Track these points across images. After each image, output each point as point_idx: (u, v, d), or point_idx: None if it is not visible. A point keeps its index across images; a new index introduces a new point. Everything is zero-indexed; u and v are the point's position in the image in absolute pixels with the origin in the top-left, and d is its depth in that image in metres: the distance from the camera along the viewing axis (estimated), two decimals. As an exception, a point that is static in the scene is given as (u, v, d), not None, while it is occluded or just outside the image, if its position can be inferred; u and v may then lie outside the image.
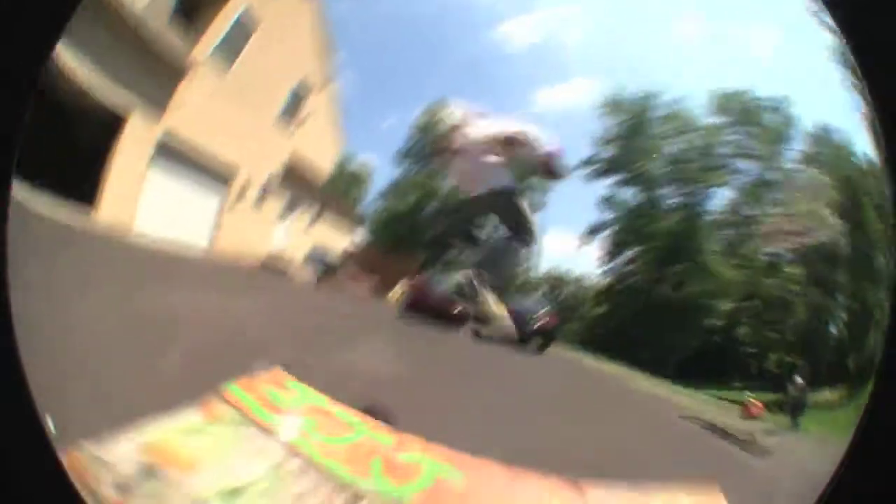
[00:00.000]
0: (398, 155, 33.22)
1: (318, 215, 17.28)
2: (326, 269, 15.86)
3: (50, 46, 1.98)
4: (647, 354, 23.86)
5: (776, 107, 27.92)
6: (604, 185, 30.77)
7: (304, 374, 4.88)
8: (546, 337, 14.29)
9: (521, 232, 8.65)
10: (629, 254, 29.33)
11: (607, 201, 32.09)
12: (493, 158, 7.06)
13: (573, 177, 30.94)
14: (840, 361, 21.42)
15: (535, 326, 13.81)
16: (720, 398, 18.02)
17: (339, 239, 19.70)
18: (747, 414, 13.32)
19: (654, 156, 29.42)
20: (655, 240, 27.72)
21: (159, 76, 9.37)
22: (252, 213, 13.22)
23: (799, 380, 13.22)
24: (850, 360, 21.07)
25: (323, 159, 18.45)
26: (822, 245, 14.58)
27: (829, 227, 12.11)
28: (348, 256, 20.28)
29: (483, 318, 15.03)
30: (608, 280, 29.98)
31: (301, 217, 16.26)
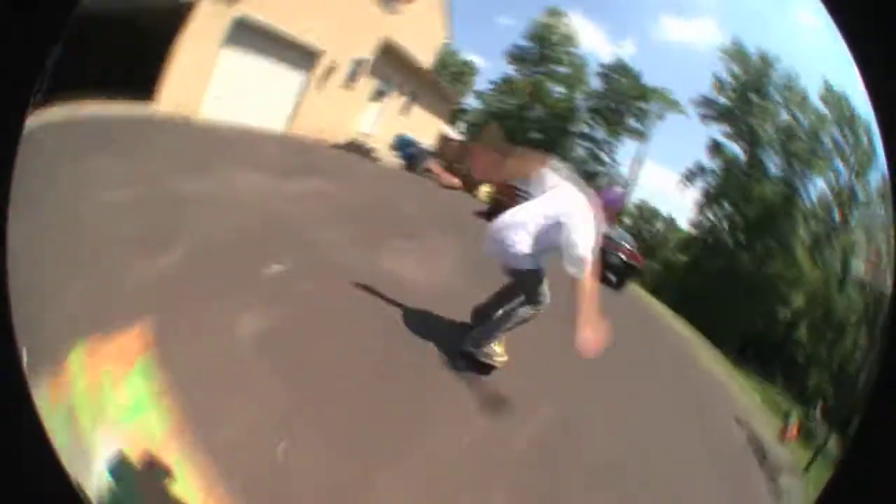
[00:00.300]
0: (507, 56, 31.71)
1: (412, 102, 16.85)
2: (414, 157, 15.60)
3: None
4: (713, 320, 23.24)
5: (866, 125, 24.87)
6: (715, 131, 28.75)
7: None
8: (627, 273, 14.00)
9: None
10: (726, 210, 27.86)
11: (716, 149, 30.06)
12: None
13: (687, 115, 28.83)
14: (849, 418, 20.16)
15: (620, 260, 13.53)
16: (765, 399, 17.43)
17: (431, 130, 19.36)
18: (784, 435, 12.34)
19: (767, 117, 27.10)
20: (753, 204, 26.09)
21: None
22: (339, 94, 12.88)
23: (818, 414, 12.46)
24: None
25: (426, 48, 17.72)
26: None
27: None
28: (443, 147, 20.02)
29: None
30: (699, 230, 28.72)
31: (393, 103, 15.85)
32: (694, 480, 6.38)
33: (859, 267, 14.58)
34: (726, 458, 8.33)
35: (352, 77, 12.96)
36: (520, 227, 5.97)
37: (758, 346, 16.21)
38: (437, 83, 18.79)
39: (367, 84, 14.05)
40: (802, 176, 26.77)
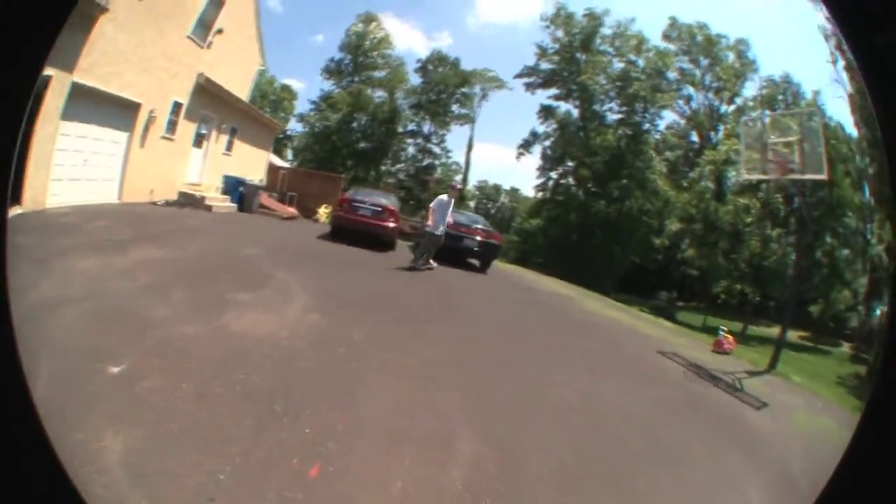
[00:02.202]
0: (323, 72, 31.35)
1: (234, 139, 16.43)
2: (244, 196, 15.28)
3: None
4: (589, 269, 24.69)
5: (735, 47, 27.85)
6: (544, 97, 30.55)
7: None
8: (489, 253, 15.12)
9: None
10: (569, 166, 29.76)
11: (546, 112, 32.00)
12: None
13: (511, 89, 29.87)
14: (801, 305, 22.80)
15: (477, 242, 14.70)
16: (682, 325, 18.58)
17: (259, 163, 18.78)
18: (719, 348, 13.57)
19: (598, 71, 29.27)
20: (596, 154, 28.21)
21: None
22: (161, 147, 12.27)
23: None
24: (815, 308, 22.36)
25: (243, 80, 17.20)
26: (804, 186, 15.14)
27: (815, 172, 12.30)
28: (272, 179, 19.55)
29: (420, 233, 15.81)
30: (546, 192, 30.42)
31: (215, 144, 15.28)
32: (653, 420, 6.75)
33: (741, 173, 15.54)
34: (674, 387, 8.82)
35: (170, 126, 12.35)
36: None
37: (647, 278, 16.45)
38: (256, 114, 18.36)
39: (187, 129, 13.46)
40: (646, 113, 29.06)
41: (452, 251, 14.36)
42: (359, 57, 31.80)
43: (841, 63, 21.04)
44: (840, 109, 36.00)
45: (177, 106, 12.83)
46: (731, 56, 29.92)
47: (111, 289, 5.78)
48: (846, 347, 23.60)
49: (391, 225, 14.03)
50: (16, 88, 1.75)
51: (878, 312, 22.37)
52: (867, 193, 23.22)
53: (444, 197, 13.23)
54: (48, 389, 3.36)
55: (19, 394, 1.84)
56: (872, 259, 21.58)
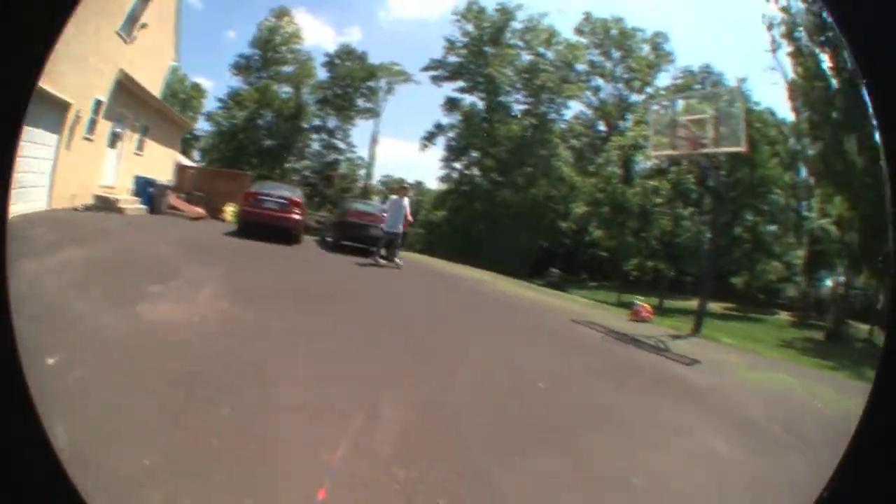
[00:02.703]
0: (233, 68, 31.62)
1: (145, 138, 16.78)
2: (154, 196, 15.72)
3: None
4: (494, 256, 26.34)
5: (651, 39, 30.27)
6: (449, 90, 32.10)
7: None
8: (396, 241, 15.65)
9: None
10: (474, 157, 31.45)
11: (451, 104, 33.54)
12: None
13: (418, 82, 31.41)
14: (723, 278, 24.98)
15: (382, 230, 15.32)
16: (596, 301, 20.37)
17: (168, 163, 19.09)
18: (636, 317, 14.83)
19: (505, 63, 31.17)
20: (501, 144, 30.01)
21: None
22: (83, 148, 12.53)
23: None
24: (738, 279, 24.49)
25: (156, 76, 17.47)
26: (719, 162, 16.75)
27: (732, 144, 13.65)
28: (181, 177, 19.89)
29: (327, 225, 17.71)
30: (450, 183, 32.02)
31: (128, 144, 15.58)
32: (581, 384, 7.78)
33: (648, 153, 16.83)
34: (598, 351, 9.89)
35: (91, 125, 12.65)
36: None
37: (556, 262, 17.51)
38: (168, 112, 18.59)
39: (104, 129, 13.69)
40: (552, 103, 30.94)
41: (360, 240, 15.69)
42: (268, 52, 32.06)
43: (785, 50, 23.10)
44: (773, 96, 39.56)
45: (98, 104, 13.00)
46: (646, 48, 32.10)
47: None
48: (785, 315, 25.71)
49: (297, 217, 14.72)
50: (16, 85, 1.83)
51: (828, 283, 24.77)
52: (803, 173, 25.98)
53: (394, 197, 15.18)
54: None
55: (19, 394, 1.87)
56: (812, 232, 23.63)
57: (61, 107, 11.18)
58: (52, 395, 3.90)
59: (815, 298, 25.85)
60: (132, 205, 14.69)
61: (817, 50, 22.07)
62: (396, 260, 14.72)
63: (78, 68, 11.02)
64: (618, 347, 10.59)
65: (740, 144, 13.56)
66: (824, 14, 20.59)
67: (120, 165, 15.25)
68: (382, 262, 14.39)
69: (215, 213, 18.43)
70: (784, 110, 26.76)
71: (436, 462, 4.44)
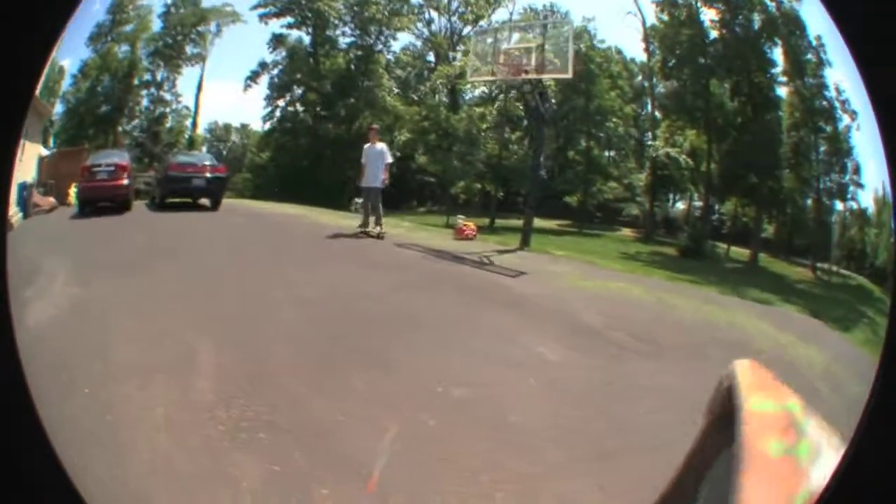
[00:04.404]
0: (86, 41, 30.51)
1: (25, 140, 16.74)
2: (25, 199, 16.39)
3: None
4: (320, 191, 28.03)
5: None
6: (276, 26, 32.60)
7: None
8: (217, 187, 16.94)
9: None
10: (297, 93, 32.67)
11: (277, 41, 34.34)
12: None
13: (245, 21, 31.37)
14: (553, 196, 27.81)
15: (205, 179, 16.46)
16: (425, 225, 21.33)
17: (33, 158, 19.12)
18: (460, 235, 15.89)
19: None
20: (326, 78, 31.43)
21: None
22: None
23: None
24: (573, 198, 27.57)
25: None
26: (543, 87, 18.40)
27: (557, 72, 15.07)
28: (40, 171, 19.92)
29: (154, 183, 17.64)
30: (273, 123, 33.08)
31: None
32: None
33: (468, 77, 18.96)
34: (415, 269, 10.66)
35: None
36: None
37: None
38: (37, 105, 18.36)
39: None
40: (381, 36, 32.38)
41: (181, 193, 16.05)
42: (117, 15, 30.94)
43: None
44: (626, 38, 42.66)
45: None
46: None
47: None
48: (626, 231, 27.87)
49: (125, 182, 15.38)
50: (16, 85, 2.09)
51: (680, 205, 27.84)
52: (649, 107, 29.01)
53: (367, 145, 14.85)
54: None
55: (19, 394, 2.15)
56: (656, 159, 26.34)
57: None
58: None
59: (663, 218, 28.26)
60: (15, 217, 14.97)
61: (698, 4, 24.68)
62: (378, 228, 14.16)
63: None
64: (438, 265, 11.28)
65: (567, 72, 14.78)
66: None
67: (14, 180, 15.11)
68: (370, 231, 13.98)
69: (64, 197, 18.73)
70: (636, 51, 29.92)
71: (252, 399, 5.00)
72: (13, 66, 2.04)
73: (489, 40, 17.08)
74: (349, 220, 17.34)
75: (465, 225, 16.66)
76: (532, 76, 15.29)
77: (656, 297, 10.72)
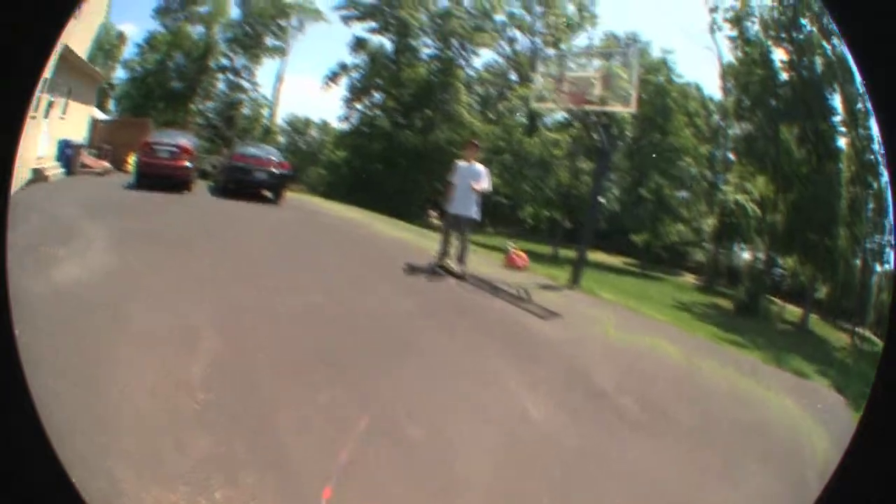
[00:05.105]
0: (154, 13, 31.35)
1: (69, 100, 17.14)
2: (70, 157, 16.74)
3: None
4: (393, 198, 27.86)
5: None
6: (359, 29, 32.99)
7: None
8: (279, 183, 16.83)
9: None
10: (376, 98, 32.81)
11: (359, 44, 34.66)
12: None
13: (328, 21, 31.84)
14: (621, 232, 27.06)
15: (268, 173, 16.33)
16: (485, 246, 20.46)
17: (85, 120, 19.55)
18: (511, 264, 14.99)
19: (420, 7, 32.30)
20: (405, 86, 31.41)
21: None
22: (30, 124, 12.97)
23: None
24: (641, 237, 26.70)
25: (83, 33, 17.74)
26: (607, 121, 17.98)
27: (621, 105, 14.77)
28: (93, 135, 20.39)
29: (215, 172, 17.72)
30: (352, 124, 33.30)
31: (57, 108, 16.01)
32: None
33: (531, 102, 17.54)
34: (437, 294, 10.38)
35: (36, 104, 13.22)
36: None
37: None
38: (86, 69, 18.87)
39: (42, 102, 14.68)
40: (463, 51, 32.33)
41: (242, 184, 16.00)
42: None
43: (725, 33, 25.38)
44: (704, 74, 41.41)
45: (45, 82, 13.08)
46: (571, 7, 33.11)
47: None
48: (689, 278, 27.57)
49: (186, 164, 15.55)
50: (16, 87, 2.07)
51: (746, 255, 26.70)
52: (728, 151, 28.34)
53: (461, 162, 12.13)
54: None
55: (19, 394, 2.13)
56: (725, 204, 25.48)
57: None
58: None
59: (727, 267, 27.60)
60: (54, 171, 15.48)
61: (769, 43, 24.03)
62: (461, 267, 11.48)
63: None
64: (467, 293, 10.57)
65: (629, 105, 14.37)
66: (801, 21, 22.89)
67: (50, 134, 15.88)
68: (450, 267, 11.62)
69: (121, 163, 19.30)
70: (714, 89, 28.96)
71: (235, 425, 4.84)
72: (13, 71, 2.02)
73: (556, 66, 16.79)
74: (409, 234, 17.42)
75: (515, 253, 15.55)
76: (595, 107, 14.98)
77: (689, 358, 9.85)
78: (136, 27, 43.87)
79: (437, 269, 11.67)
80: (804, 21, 22.90)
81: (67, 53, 14.98)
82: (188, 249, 10.01)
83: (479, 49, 34.21)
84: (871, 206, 20.97)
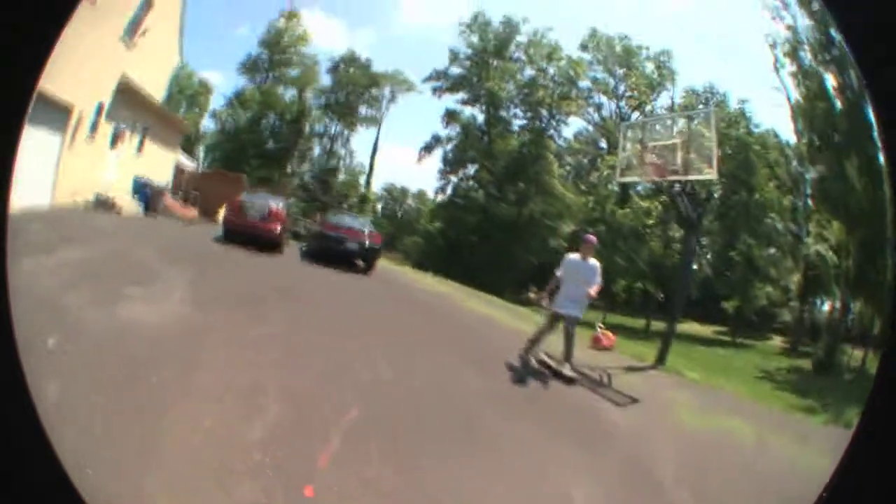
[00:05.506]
0: (241, 67, 32.72)
1: (145, 139, 17.86)
2: (150, 197, 17.19)
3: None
4: (487, 271, 27.14)
5: (656, 58, 31.38)
6: (450, 101, 33.31)
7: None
8: (371, 255, 16.66)
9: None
10: (470, 170, 32.62)
11: (451, 116, 34.83)
12: None
13: (419, 92, 32.34)
14: (714, 299, 25.48)
15: (359, 244, 16.19)
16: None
17: (167, 164, 20.31)
18: (597, 345, 14.38)
19: (507, 77, 32.43)
20: (498, 158, 31.17)
21: None
22: (84, 149, 13.73)
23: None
24: (731, 303, 25.12)
25: (159, 77, 18.70)
26: (693, 187, 17.09)
27: (701, 173, 13.86)
28: (178, 180, 21.02)
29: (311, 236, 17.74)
30: (447, 195, 33.06)
31: (128, 145, 16.76)
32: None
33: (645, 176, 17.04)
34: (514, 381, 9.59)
35: (93, 127, 13.87)
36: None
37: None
38: (167, 115, 19.77)
39: (105, 131, 14.87)
40: (552, 119, 32.03)
41: (330, 253, 15.87)
42: (275, 54, 33.25)
43: (787, 69, 23.60)
44: (778, 118, 40.11)
45: (100, 107, 14.24)
46: (650, 66, 32.71)
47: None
48: (778, 341, 26.36)
49: (277, 228, 15.62)
50: (17, 89, 2.08)
51: (826, 307, 24.47)
52: (807, 197, 26.17)
53: (573, 256, 10.69)
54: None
55: (19, 394, 2.12)
56: (808, 257, 24.01)
57: (64, 109, 12.36)
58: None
59: (811, 323, 26.08)
60: (128, 205, 15.92)
61: (821, 69, 22.36)
62: (567, 367, 9.86)
63: (80, 73, 11.98)
64: (544, 379, 9.79)
65: (709, 172, 13.83)
66: (831, 31, 20.84)
67: (119, 166, 16.39)
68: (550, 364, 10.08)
69: (211, 214, 19.40)
70: (788, 132, 27.53)
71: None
72: (12, 71, 2.02)
73: (640, 132, 15.85)
74: (500, 311, 17.07)
75: (602, 334, 14.84)
76: (678, 177, 13.93)
77: (759, 437, 9.46)
78: (220, 77, 46.49)
79: (540, 366, 10.23)
80: (834, 32, 21.03)
81: (128, 85, 15.47)
82: (266, 310, 9.82)
83: (567, 117, 34.04)
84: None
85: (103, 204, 14.70)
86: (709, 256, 28.13)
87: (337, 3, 45.70)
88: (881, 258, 18.60)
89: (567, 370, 9.77)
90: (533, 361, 10.13)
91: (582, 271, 10.21)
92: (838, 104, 21.40)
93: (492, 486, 5.50)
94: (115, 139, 16.12)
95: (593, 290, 10.00)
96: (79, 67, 11.85)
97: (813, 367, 20.83)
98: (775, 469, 8.00)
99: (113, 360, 5.75)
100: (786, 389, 16.12)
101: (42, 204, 12.23)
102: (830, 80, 21.76)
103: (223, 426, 5.15)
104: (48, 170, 12.43)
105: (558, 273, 10.52)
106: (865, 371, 18.35)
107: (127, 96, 15.64)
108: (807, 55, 22.97)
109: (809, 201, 26.08)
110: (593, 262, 10.38)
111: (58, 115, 12.33)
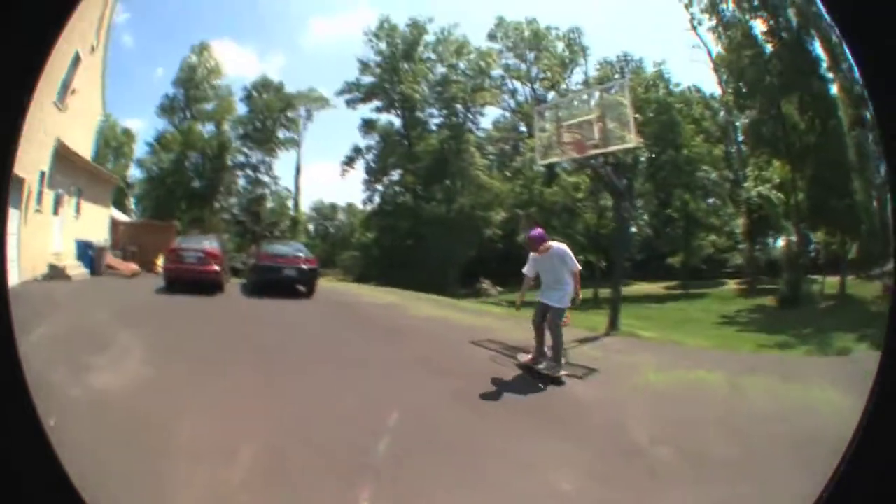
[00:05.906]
0: (159, 110, 32.00)
1: (80, 200, 17.67)
2: (93, 259, 17.26)
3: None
4: (427, 272, 27.54)
5: (566, 36, 32.12)
6: (365, 111, 33.53)
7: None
8: (309, 278, 16.95)
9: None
10: (394, 176, 33.05)
11: (368, 126, 35.14)
12: None
13: (335, 106, 32.45)
14: (659, 257, 26.18)
15: (297, 269, 16.56)
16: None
17: (103, 220, 20.06)
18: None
19: (419, 79, 32.87)
20: (420, 159, 31.71)
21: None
22: (35, 221, 13.56)
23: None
24: (676, 258, 25.85)
25: (87, 134, 18.39)
26: (615, 157, 17.56)
27: (623, 142, 13.83)
28: (116, 235, 20.81)
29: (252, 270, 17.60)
30: (374, 204, 33.37)
31: (69, 206, 16.54)
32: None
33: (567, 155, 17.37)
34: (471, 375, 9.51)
35: (38, 198, 13.70)
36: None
37: (491, 266, 16.83)
38: (97, 170, 19.59)
39: (48, 199, 14.67)
40: (468, 113, 32.60)
41: (271, 283, 16.28)
42: (190, 90, 32.77)
43: (706, 25, 25.01)
44: (698, 73, 41.27)
45: (42, 176, 14.26)
46: (560, 45, 33.64)
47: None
48: (732, 284, 27.19)
49: (216, 268, 15.95)
50: (16, 91, 2.14)
51: (780, 243, 26.30)
52: (739, 143, 27.96)
53: (534, 255, 9.94)
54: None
55: (19, 394, 2.13)
56: (749, 200, 25.16)
57: (18, 183, 12.39)
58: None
59: (767, 261, 27.43)
60: (76, 270, 15.93)
61: (747, 17, 23.61)
62: (556, 368, 9.35)
63: (26, 144, 11.91)
64: (504, 367, 9.97)
65: (630, 139, 13.84)
66: None
67: (63, 231, 16.40)
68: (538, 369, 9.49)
69: (150, 266, 19.72)
70: (712, 86, 28.68)
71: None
72: (12, 67, 2.07)
73: (552, 116, 15.89)
74: (445, 311, 16.90)
75: None
76: (598, 150, 13.89)
77: (732, 384, 9.32)
78: (143, 123, 45.65)
79: (526, 368, 9.85)
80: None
81: (63, 149, 15.41)
82: (221, 355, 9.86)
83: (483, 108, 34.85)
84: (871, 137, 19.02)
85: (58, 274, 14.82)
86: (646, 217, 28.97)
87: (246, 31, 45.39)
88: (844, 184, 19.97)
89: (552, 369, 9.39)
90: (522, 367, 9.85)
91: (551, 261, 9.76)
92: (769, 47, 22.82)
93: (459, 477, 5.72)
94: (57, 205, 16.10)
95: (575, 268, 9.70)
96: (25, 140, 11.67)
97: (778, 303, 21.57)
98: (758, 411, 8.03)
99: (92, 428, 5.66)
100: (751, 330, 16.60)
101: (13, 283, 11.93)
102: (759, 26, 23.15)
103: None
104: (13, 247, 12.13)
105: (527, 272, 10.19)
106: (846, 295, 19.61)
107: (63, 161, 15.61)
108: (729, 7, 24.33)
109: (744, 147, 27.49)
110: (558, 247, 9.93)
111: (16, 190, 12.35)
